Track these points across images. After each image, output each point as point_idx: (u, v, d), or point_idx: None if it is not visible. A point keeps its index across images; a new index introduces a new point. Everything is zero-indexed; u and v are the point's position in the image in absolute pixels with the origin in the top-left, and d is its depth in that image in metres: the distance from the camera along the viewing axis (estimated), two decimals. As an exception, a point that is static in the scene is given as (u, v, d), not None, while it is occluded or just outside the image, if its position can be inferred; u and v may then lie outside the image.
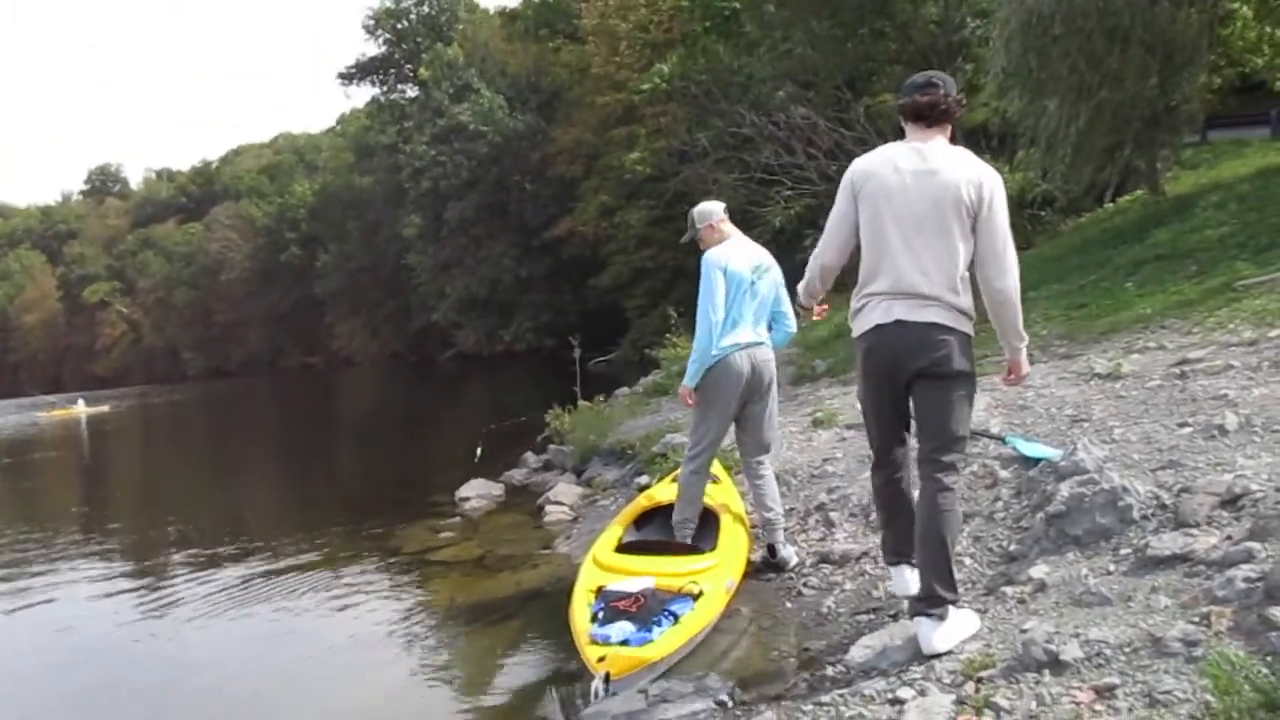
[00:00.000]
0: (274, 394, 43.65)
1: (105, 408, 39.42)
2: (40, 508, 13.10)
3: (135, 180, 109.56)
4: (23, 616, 6.45)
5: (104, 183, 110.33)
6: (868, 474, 5.21)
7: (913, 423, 3.34)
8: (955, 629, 3.11)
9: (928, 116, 3.27)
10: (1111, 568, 3.23)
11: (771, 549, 4.69)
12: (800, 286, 3.69)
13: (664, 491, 5.26)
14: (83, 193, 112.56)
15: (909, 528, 3.32)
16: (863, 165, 3.36)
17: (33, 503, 13.92)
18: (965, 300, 3.19)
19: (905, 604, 3.73)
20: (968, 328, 3.21)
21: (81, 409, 38.13)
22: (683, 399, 4.69)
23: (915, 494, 3.30)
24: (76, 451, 23.27)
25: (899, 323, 3.18)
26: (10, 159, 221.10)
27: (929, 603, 3.10)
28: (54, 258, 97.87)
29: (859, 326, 3.35)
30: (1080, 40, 9.56)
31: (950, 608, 3.11)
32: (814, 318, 3.97)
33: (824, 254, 3.51)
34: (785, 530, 4.94)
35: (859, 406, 3.69)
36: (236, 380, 63.82)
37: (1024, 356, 3.48)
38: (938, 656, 3.05)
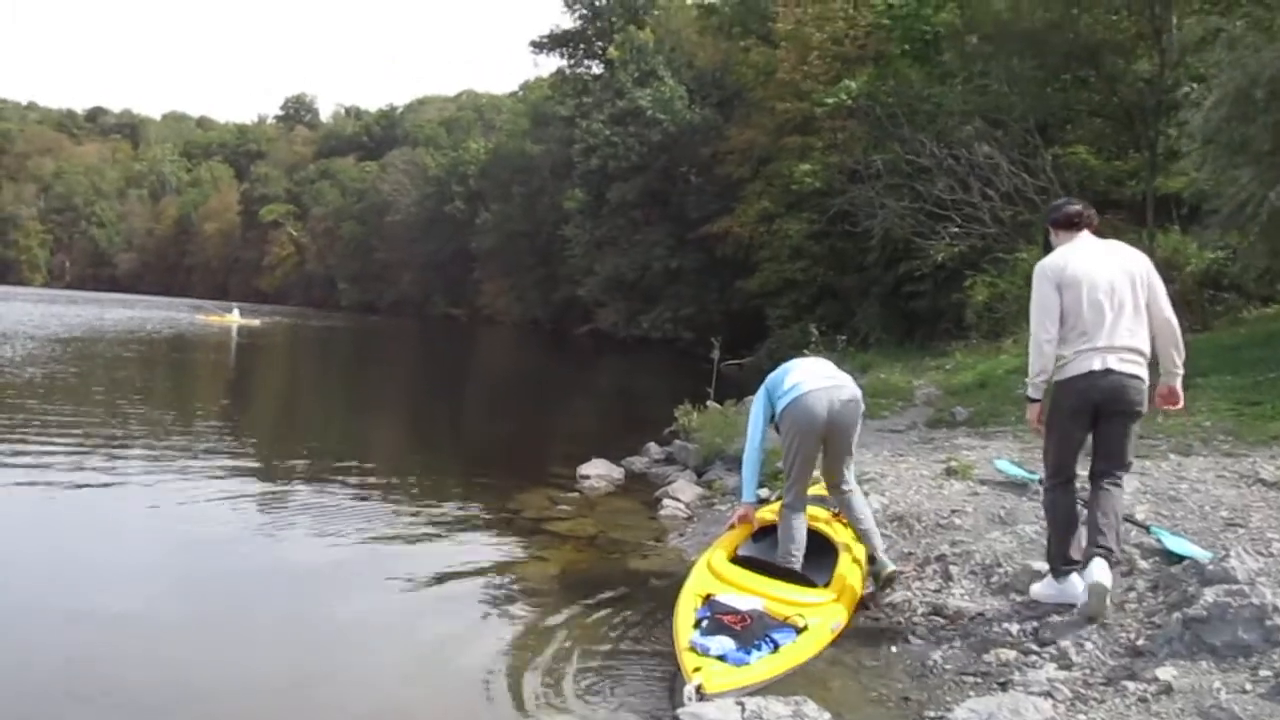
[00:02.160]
0: (418, 337, 45.36)
1: (256, 321, 41.85)
2: (181, 405, 14.03)
3: (325, 113, 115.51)
4: (145, 510, 6.87)
5: (297, 110, 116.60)
6: (996, 533, 5.14)
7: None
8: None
9: (1078, 224, 4.38)
10: (1248, 687, 3.09)
11: (871, 558, 4.81)
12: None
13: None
14: (276, 117, 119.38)
15: (1079, 535, 4.14)
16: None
17: (175, 399, 14.91)
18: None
19: (1015, 674, 3.66)
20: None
21: (235, 318, 40.60)
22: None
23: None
24: (225, 358, 24.81)
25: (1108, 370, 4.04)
26: (217, 76, 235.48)
27: (1107, 551, 3.93)
28: (241, 174, 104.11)
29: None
30: (1282, 109, 8.95)
31: None
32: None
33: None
34: (900, 574, 4.93)
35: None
36: (384, 318, 66.55)
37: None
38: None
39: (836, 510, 5.20)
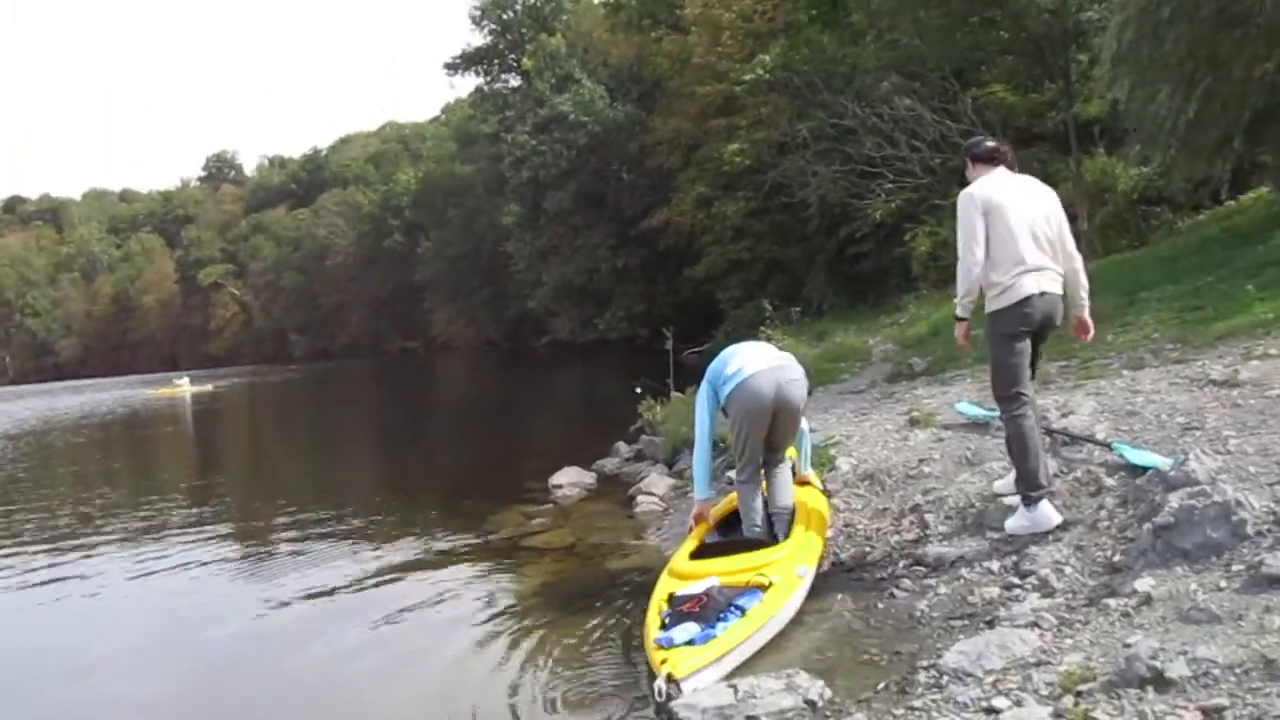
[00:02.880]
0: (374, 377, 44.91)
1: (209, 386, 41.21)
2: (146, 481, 13.75)
3: (250, 166, 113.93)
4: (127, 584, 6.78)
5: (220, 169, 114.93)
6: (965, 475, 5.16)
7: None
8: None
9: (996, 160, 4.51)
10: (1223, 584, 3.11)
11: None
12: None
13: None
14: (200, 179, 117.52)
15: (1045, 460, 4.26)
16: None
17: (139, 476, 14.63)
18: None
19: (1001, 610, 3.67)
20: None
21: (186, 387, 39.92)
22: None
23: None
24: (184, 428, 24.39)
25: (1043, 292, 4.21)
26: (134, 146, 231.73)
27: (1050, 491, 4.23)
28: (172, 241, 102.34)
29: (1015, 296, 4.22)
30: (1191, 24, 9.09)
31: None
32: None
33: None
34: (878, 530, 4.96)
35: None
36: (339, 362, 65.86)
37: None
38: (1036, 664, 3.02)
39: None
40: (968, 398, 6.81)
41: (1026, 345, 4.28)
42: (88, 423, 26.89)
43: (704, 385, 5.07)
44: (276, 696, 4.47)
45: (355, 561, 6.84)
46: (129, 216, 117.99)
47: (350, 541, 7.59)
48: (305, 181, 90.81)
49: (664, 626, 3.96)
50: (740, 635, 3.74)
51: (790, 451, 5.24)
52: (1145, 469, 4.16)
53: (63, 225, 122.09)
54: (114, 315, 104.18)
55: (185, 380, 42.55)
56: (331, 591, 6.02)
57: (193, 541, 8.04)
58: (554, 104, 36.92)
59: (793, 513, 4.94)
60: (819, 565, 4.57)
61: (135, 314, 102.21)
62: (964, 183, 4.56)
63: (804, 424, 5.29)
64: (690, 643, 3.73)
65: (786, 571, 4.18)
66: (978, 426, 6.00)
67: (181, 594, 6.40)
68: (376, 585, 6.09)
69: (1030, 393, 4.31)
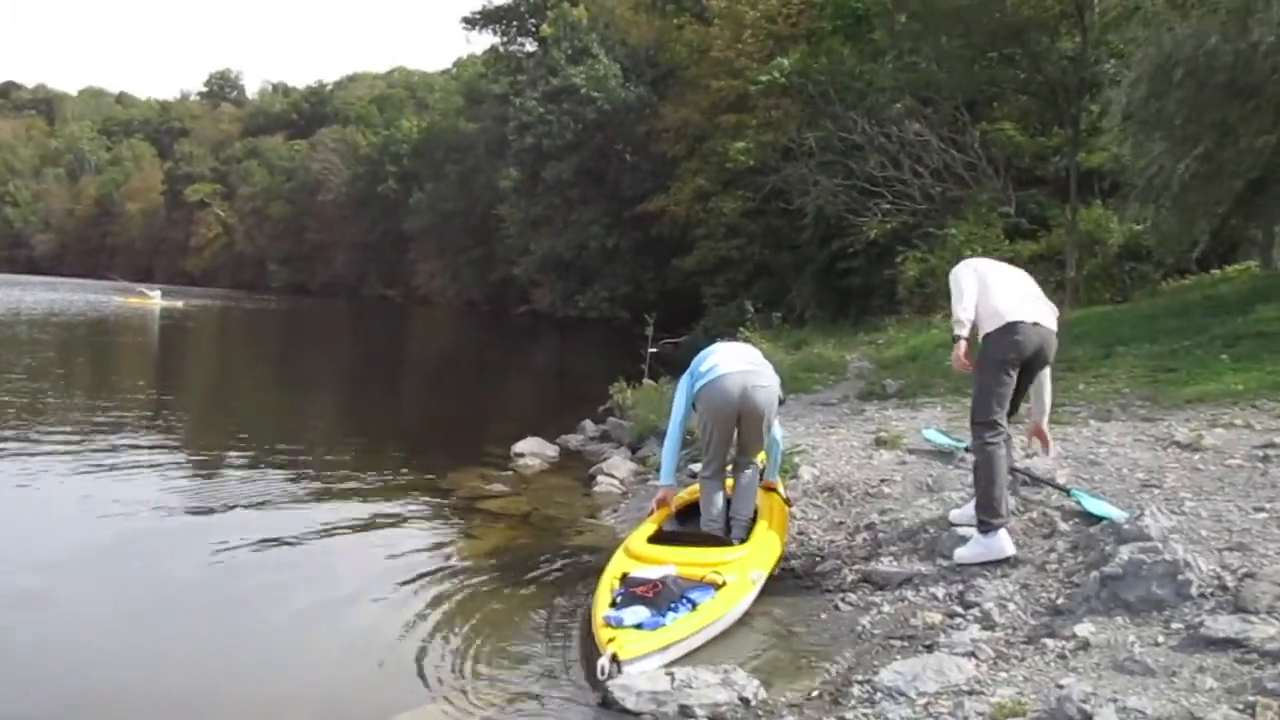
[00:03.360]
0: (351, 319, 44.64)
1: (179, 304, 40.80)
2: (104, 388, 13.59)
3: (251, 90, 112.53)
4: (72, 499, 6.59)
5: (221, 87, 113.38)
6: (923, 501, 5.22)
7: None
8: None
9: None
10: (1160, 639, 3.18)
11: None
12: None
13: None
14: (200, 94, 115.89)
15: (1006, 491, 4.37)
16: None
17: (97, 381, 14.45)
18: None
19: (941, 636, 3.73)
20: None
21: (156, 300, 39.50)
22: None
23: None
24: (150, 341, 24.15)
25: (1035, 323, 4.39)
26: (136, 50, 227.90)
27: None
28: (164, 152, 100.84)
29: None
30: (1202, 89, 9.20)
31: None
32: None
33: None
34: (831, 543, 5.02)
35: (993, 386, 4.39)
36: (317, 300, 65.29)
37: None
38: (969, 692, 3.07)
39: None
40: (936, 425, 6.88)
41: (1014, 376, 4.38)
42: (55, 321, 26.54)
43: (685, 375, 5.12)
44: (196, 631, 4.38)
45: (304, 501, 6.81)
46: (123, 120, 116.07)
47: (303, 480, 7.54)
48: (306, 113, 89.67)
49: (614, 605, 4.00)
50: (688, 629, 3.77)
51: (760, 456, 5.27)
52: (1100, 519, 4.23)
53: (54, 119, 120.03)
54: (95, 217, 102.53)
55: (156, 293, 42.08)
56: (274, 530, 5.91)
57: (139, 461, 7.88)
58: (567, 75, 36.69)
59: (753, 519, 4.96)
60: (772, 572, 4.60)
61: (117, 219, 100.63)
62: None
63: (778, 432, 5.33)
64: (639, 626, 3.76)
65: (741, 574, 4.22)
66: (942, 455, 6.07)
67: (121, 512, 6.21)
68: (323, 528, 6.04)
69: (1006, 425, 4.40)
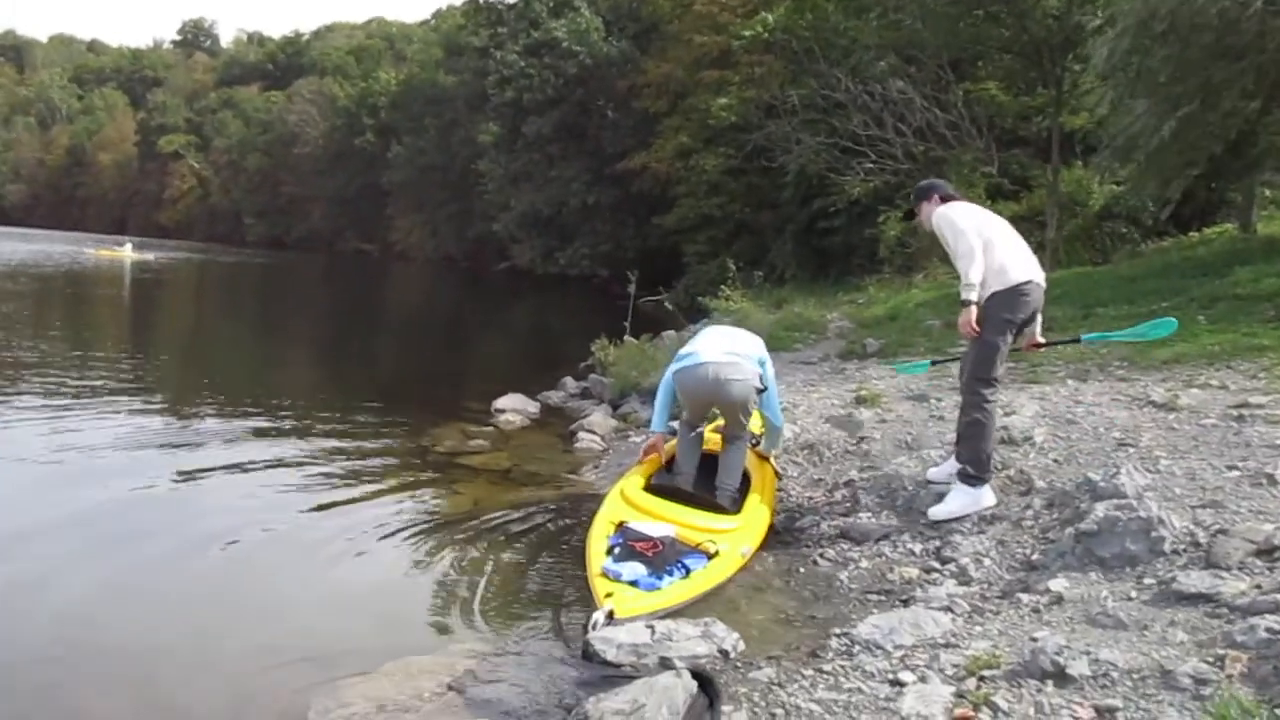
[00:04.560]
0: (328, 273, 44.25)
1: (150, 256, 40.34)
2: (82, 345, 13.44)
3: (226, 39, 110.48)
4: (42, 454, 6.47)
5: (195, 36, 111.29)
6: (902, 458, 5.27)
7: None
8: None
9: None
10: (1133, 594, 3.24)
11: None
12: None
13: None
14: (174, 42, 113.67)
15: None
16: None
17: (69, 335, 14.28)
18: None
19: (918, 591, 3.78)
20: None
21: (127, 252, 38.99)
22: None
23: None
24: (122, 293, 23.88)
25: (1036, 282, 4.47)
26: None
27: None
28: (137, 102, 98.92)
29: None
30: (1186, 48, 9.16)
31: None
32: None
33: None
34: (810, 499, 5.07)
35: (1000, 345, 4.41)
36: (293, 253, 64.58)
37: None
38: (945, 645, 3.11)
39: (755, 442, 5.29)
40: (914, 384, 6.93)
41: (1013, 334, 4.45)
42: (27, 272, 26.16)
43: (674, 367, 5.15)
44: (179, 589, 4.37)
45: (283, 459, 6.73)
46: (95, 68, 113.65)
47: (281, 438, 7.48)
48: (282, 64, 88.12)
49: (611, 553, 4.02)
50: (680, 596, 3.80)
51: (754, 426, 5.24)
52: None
53: (24, 66, 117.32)
54: (66, 168, 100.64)
55: (127, 246, 41.53)
56: (255, 489, 5.89)
57: (117, 417, 7.79)
58: (549, 28, 36.19)
59: (742, 489, 4.92)
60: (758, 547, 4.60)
61: (89, 170, 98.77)
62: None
63: (776, 408, 5.27)
64: (635, 584, 3.79)
65: (734, 546, 4.23)
66: (920, 411, 6.11)
67: (95, 469, 6.15)
68: (303, 485, 6.02)
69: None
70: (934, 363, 6.37)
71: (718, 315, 13.71)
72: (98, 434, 7.09)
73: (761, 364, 5.00)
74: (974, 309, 4.34)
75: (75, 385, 9.07)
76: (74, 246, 45.61)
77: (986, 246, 4.38)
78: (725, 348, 4.94)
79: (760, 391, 4.93)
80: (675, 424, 5.22)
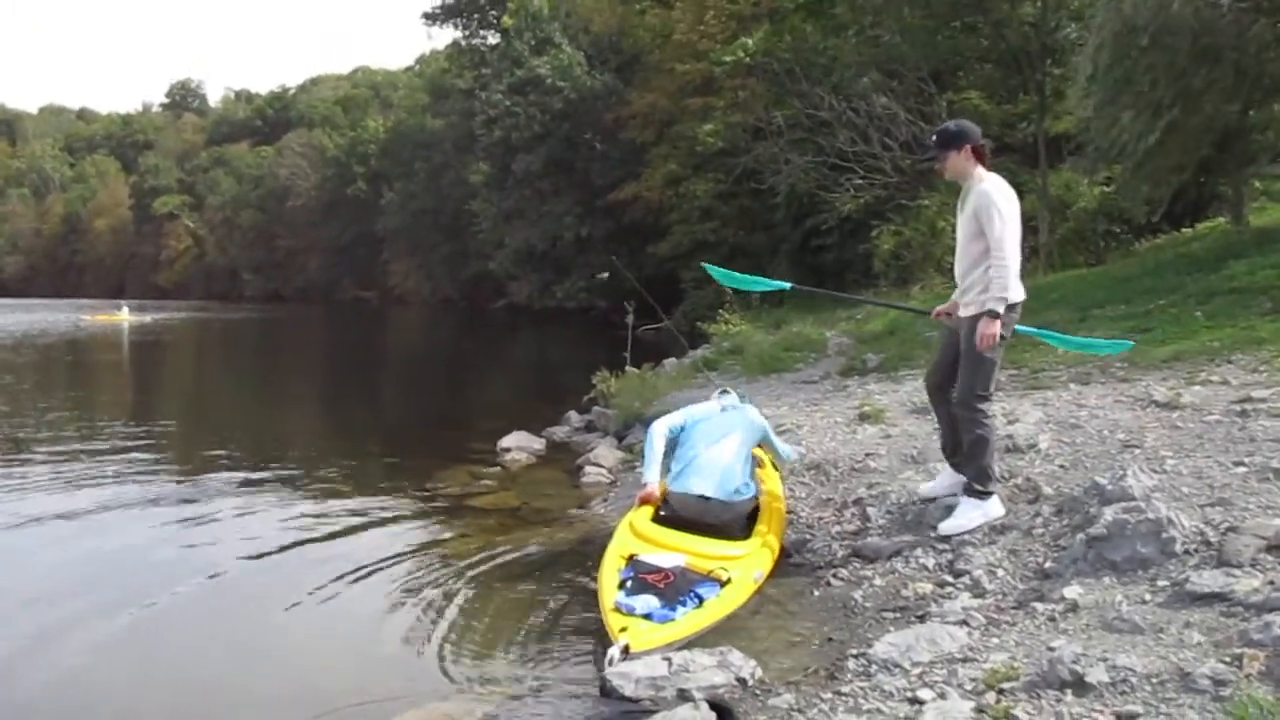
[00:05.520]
0: (328, 323, 44.37)
1: (147, 318, 40.50)
2: (86, 411, 13.47)
3: (214, 98, 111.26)
4: (51, 522, 6.48)
5: (183, 97, 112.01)
6: (909, 473, 5.27)
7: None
8: None
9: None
10: (1147, 597, 3.23)
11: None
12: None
13: None
14: (162, 105, 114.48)
15: None
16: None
17: (78, 406, 14.31)
18: None
19: (933, 606, 3.77)
20: None
21: (125, 316, 39.13)
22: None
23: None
24: (120, 357, 23.96)
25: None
26: (95, 65, 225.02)
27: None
28: (129, 166, 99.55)
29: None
30: (1167, 54, 9.25)
31: None
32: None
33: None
34: (820, 520, 5.06)
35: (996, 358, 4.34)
36: (292, 306, 64.79)
37: None
38: (963, 659, 3.11)
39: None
40: (917, 397, 6.93)
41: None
42: (28, 343, 26.26)
43: (663, 426, 5.16)
44: (192, 638, 4.40)
45: (292, 509, 6.76)
46: (86, 136, 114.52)
47: (289, 488, 7.50)
48: (271, 119, 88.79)
49: (623, 587, 4.01)
50: (694, 625, 3.78)
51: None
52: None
53: (16, 138, 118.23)
54: (63, 236, 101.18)
55: (124, 309, 41.72)
56: (264, 538, 5.92)
57: (126, 479, 7.80)
58: (531, 66, 36.52)
59: (750, 512, 4.90)
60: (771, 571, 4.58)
61: (85, 237, 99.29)
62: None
63: (788, 453, 5.50)
64: (648, 616, 3.78)
65: (746, 572, 4.22)
66: (925, 425, 6.11)
67: (104, 531, 6.19)
68: (313, 534, 6.03)
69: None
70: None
71: (716, 338, 13.74)
72: (100, 493, 7.14)
73: (760, 439, 5.20)
74: (999, 323, 4.14)
75: (77, 449, 9.08)
76: (73, 314, 45.76)
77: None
78: (719, 476, 4.77)
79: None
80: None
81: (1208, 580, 3.13)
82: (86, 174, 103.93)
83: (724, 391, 5.69)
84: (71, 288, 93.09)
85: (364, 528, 6.20)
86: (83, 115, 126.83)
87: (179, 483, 7.83)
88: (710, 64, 23.82)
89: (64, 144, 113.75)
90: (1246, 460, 4.13)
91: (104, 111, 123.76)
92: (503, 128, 37.23)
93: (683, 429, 5.16)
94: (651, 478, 5.01)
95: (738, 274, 6.28)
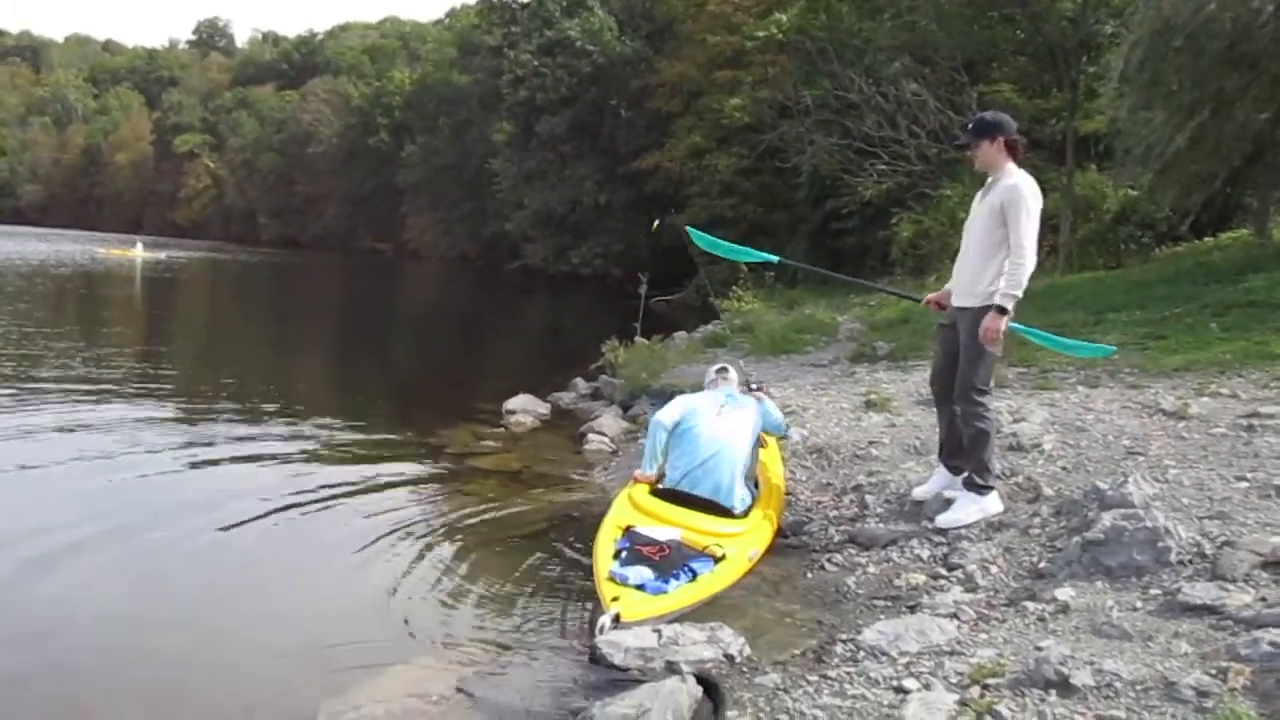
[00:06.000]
0: (342, 272, 44.43)
1: (162, 255, 40.61)
2: (97, 344, 13.55)
3: (241, 39, 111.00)
4: (52, 452, 6.54)
5: (210, 35, 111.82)
6: (911, 464, 5.29)
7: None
8: None
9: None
10: (1138, 605, 3.24)
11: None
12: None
13: None
14: (189, 42, 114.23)
15: None
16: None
17: (89, 337, 14.39)
18: None
19: (924, 597, 3.80)
20: None
21: (139, 252, 39.23)
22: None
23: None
24: (131, 293, 24.05)
25: None
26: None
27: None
28: (152, 102, 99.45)
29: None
30: (1201, 56, 9.13)
31: None
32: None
33: None
34: (819, 504, 5.08)
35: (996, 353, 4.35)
36: (307, 253, 64.81)
37: None
38: (950, 653, 3.14)
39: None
40: (924, 388, 6.93)
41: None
42: (44, 271, 26.38)
43: (666, 419, 4.94)
44: (187, 587, 4.42)
45: (295, 456, 6.81)
46: (110, 69, 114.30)
47: (293, 435, 7.55)
48: (297, 63, 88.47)
49: (618, 557, 4.04)
50: (687, 599, 3.81)
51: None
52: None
53: (40, 67, 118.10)
54: (83, 167, 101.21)
55: (138, 245, 41.81)
56: (266, 486, 5.94)
57: (132, 415, 7.88)
58: (562, 27, 36.23)
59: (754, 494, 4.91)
60: (765, 551, 4.59)
61: (105, 169, 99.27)
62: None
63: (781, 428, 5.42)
64: (641, 587, 3.80)
65: (741, 550, 4.25)
66: (930, 417, 6.10)
67: (110, 467, 6.22)
68: (314, 484, 6.04)
69: None
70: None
71: (728, 315, 13.73)
72: (106, 430, 7.20)
73: (760, 423, 5.11)
74: (1006, 319, 4.16)
75: (81, 384, 9.16)
76: (88, 246, 45.93)
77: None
78: (720, 491, 4.66)
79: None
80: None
81: (1200, 592, 3.14)
82: (110, 106, 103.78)
83: (722, 369, 5.57)
84: (89, 219, 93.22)
85: (364, 479, 6.24)
86: (108, 47, 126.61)
87: (180, 423, 7.89)
88: (743, 38, 23.60)
89: (88, 74, 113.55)
90: (1249, 475, 4.13)
91: (130, 45, 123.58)
92: (529, 88, 37.00)
93: (680, 427, 4.90)
94: (648, 468, 4.91)
95: (723, 242, 6.15)
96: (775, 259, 5.79)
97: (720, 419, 4.93)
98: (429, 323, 22.34)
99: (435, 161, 56.94)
